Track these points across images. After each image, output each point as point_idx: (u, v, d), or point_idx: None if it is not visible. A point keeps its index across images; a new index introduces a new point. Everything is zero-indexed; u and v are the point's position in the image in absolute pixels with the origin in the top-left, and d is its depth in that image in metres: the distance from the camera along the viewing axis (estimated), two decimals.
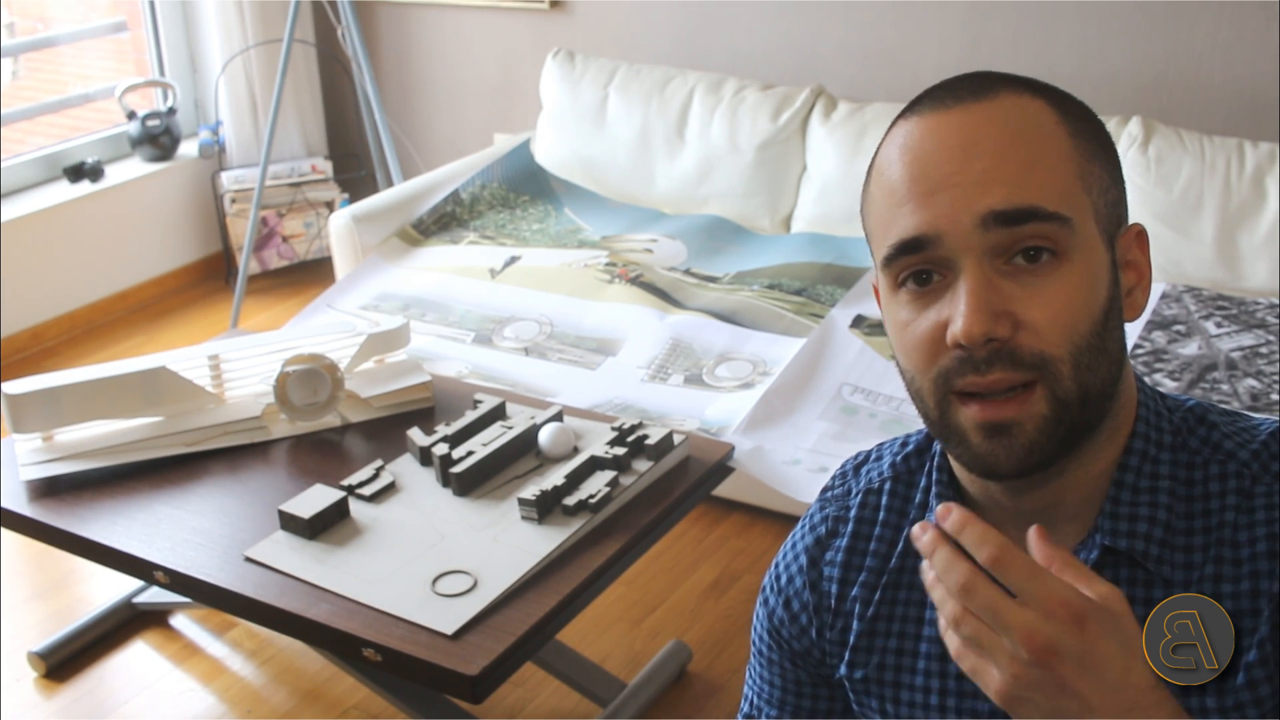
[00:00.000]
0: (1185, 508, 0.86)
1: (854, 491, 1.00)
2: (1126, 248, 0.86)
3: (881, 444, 1.02)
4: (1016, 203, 0.79)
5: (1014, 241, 0.79)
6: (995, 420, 0.81)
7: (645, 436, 2.06)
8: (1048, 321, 0.79)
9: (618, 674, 2.27)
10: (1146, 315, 2.60)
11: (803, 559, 1.00)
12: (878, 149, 0.87)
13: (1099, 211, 0.83)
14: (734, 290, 2.94)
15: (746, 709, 1.08)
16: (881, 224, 0.85)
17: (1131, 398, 0.88)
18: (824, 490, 1.03)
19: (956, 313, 0.80)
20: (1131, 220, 0.88)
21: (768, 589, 1.03)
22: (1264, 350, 2.45)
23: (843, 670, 0.98)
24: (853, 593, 0.97)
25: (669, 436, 2.07)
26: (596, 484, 1.95)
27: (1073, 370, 0.80)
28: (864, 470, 1.01)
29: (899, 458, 0.98)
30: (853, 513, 0.99)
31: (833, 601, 0.98)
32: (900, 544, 0.96)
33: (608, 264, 3.09)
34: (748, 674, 1.09)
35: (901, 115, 0.86)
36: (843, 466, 1.03)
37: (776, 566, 1.03)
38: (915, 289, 0.83)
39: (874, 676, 0.96)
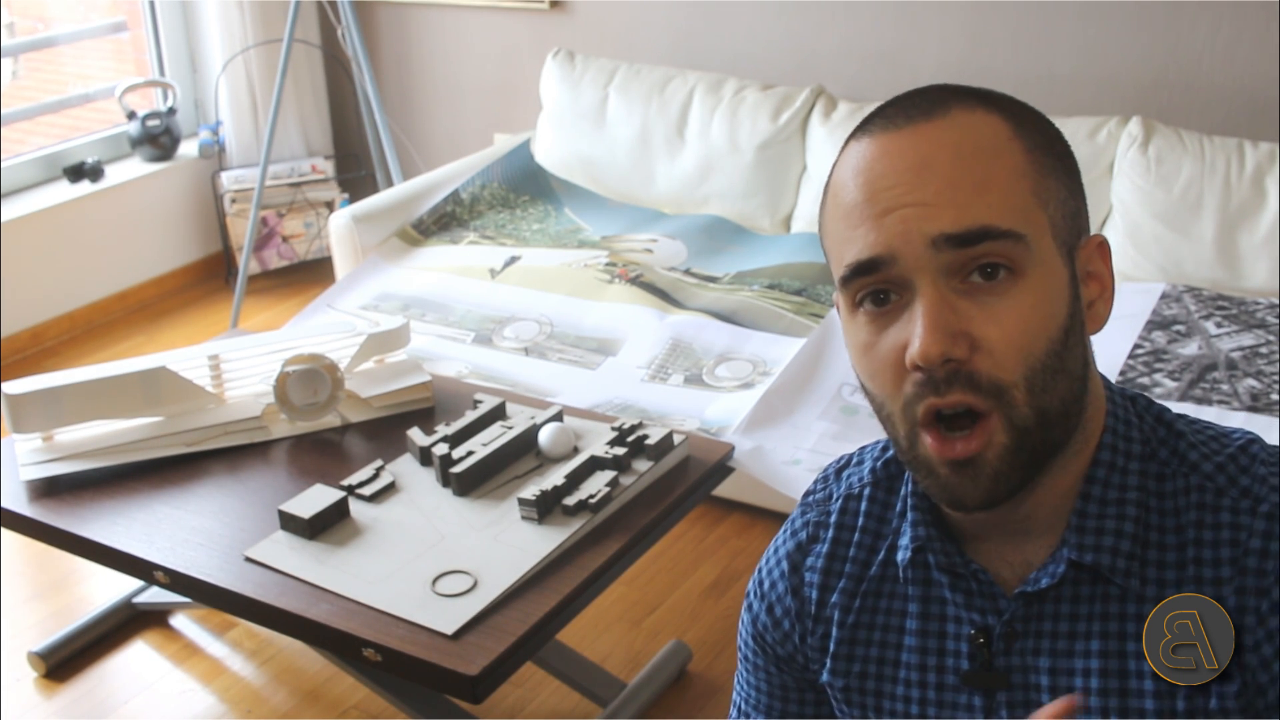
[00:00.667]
0: (1158, 520, 0.85)
1: (835, 496, 0.99)
2: (1088, 259, 0.86)
3: (864, 447, 1.01)
4: (968, 224, 0.78)
5: (969, 260, 0.79)
6: (957, 458, 0.81)
7: (645, 436, 2.06)
8: (1003, 343, 0.79)
9: (618, 674, 2.27)
10: (1141, 319, 2.60)
11: (784, 564, 1.00)
12: (833, 168, 0.87)
13: (1056, 226, 0.82)
14: (734, 290, 2.94)
15: (735, 715, 1.08)
16: (837, 245, 0.84)
17: (1099, 407, 0.87)
18: (806, 494, 1.03)
19: (914, 334, 0.79)
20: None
21: (752, 594, 1.03)
22: (1264, 350, 2.45)
23: (825, 677, 0.98)
24: (832, 599, 0.97)
25: (669, 436, 2.07)
26: (596, 484, 1.95)
27: (1027, 395, 0.80)
28: (845, 475, 1.00)
29: (879, 463, 0.98)
30: (833, 518, 0.98)
31: (813, 607, 0.98)
32: (882, 552, 0.95)
33: (608, 264, 3.09)
34: (735, 680, 1.08)
35: (854, 135, 0.86)
36: (825, 470, 1.03)
37: (760, 572, 1.03)
38: (873, 309, 0.83)
39: (855, 685, 0.96)
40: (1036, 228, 0.80)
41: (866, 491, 0.97)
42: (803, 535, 1.00)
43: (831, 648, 0.97)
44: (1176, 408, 0.92)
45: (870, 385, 0.85)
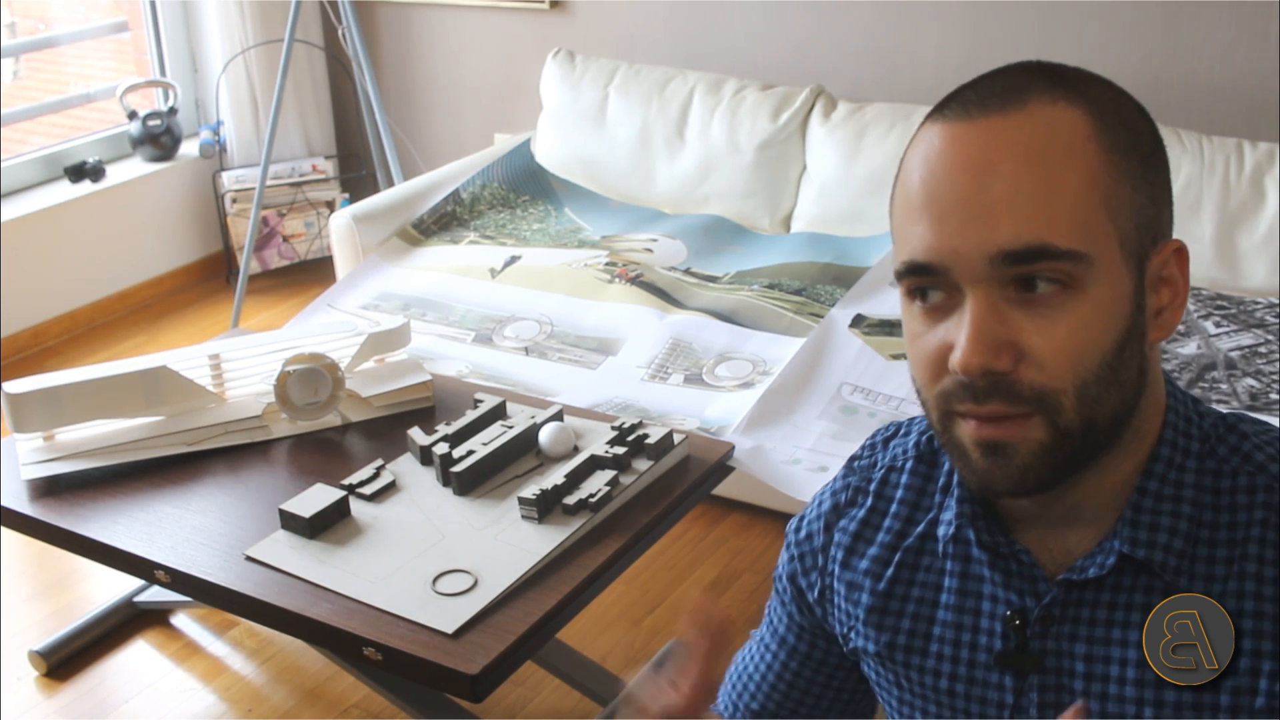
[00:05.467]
0: (1211, 517, 0.84)
1: (879, 465, 1.01)
2: (1162, 265, 0.83)
3: (914, 418, 1.02)
4: (1028, 240, 0.76)
5: (1025, 274, 0.77)
6: (990, 439, 0.80)
7: (645, 436, 2.07)
8: (1052, 354, 0.77)
9: (618, 673, 2.28)
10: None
11: (820, 521, 1.03)
12: (909, 145, 0.85)
13: (1125, 236, 0.79)
14: (734, 290, 2.94)
15: (755, 633, 1.13)
16: (898, 234, 0.84)
17: (1159, 407, 0.86)
18: (852, 459, 1.04)
19: (958, 341, 0.79)
20: None
21: (790, 537, 1.06)
22: (1263, 350, 2.46)
23: (858, 642, 0.99)
24: (861, 564, 0.98)
25: (669, 436, 2.07)
26: (596, 483, 1.95)
27: (1076, 403, 0.78)
28: (892, 445, 1.01)
29: (924, 437, 0.99)
30: (873, 486, 1.00)
31: (835, 566, 1.00)
32: (921, 525, 0.96)
33: (608, 264, 3.09)
34: (768, 604, 1.12)
35: (932, 115, 0.83)
36: (873, 436, 1.04)
37: (802, 519, 1.05)
38: (926, 303, 0.82)
39: (886, 654, 0.97)
40: (1102, 243, 0.78)
41: (909, 465, 0.98)
42: (841, 497, 1.02)
43: (862, 614, 0.98)
44: None
45: (912, 369, 0.85)
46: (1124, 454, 0.85)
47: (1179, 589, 0.84)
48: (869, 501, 1.00)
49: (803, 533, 1.04)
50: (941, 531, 0.94)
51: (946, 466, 0.96)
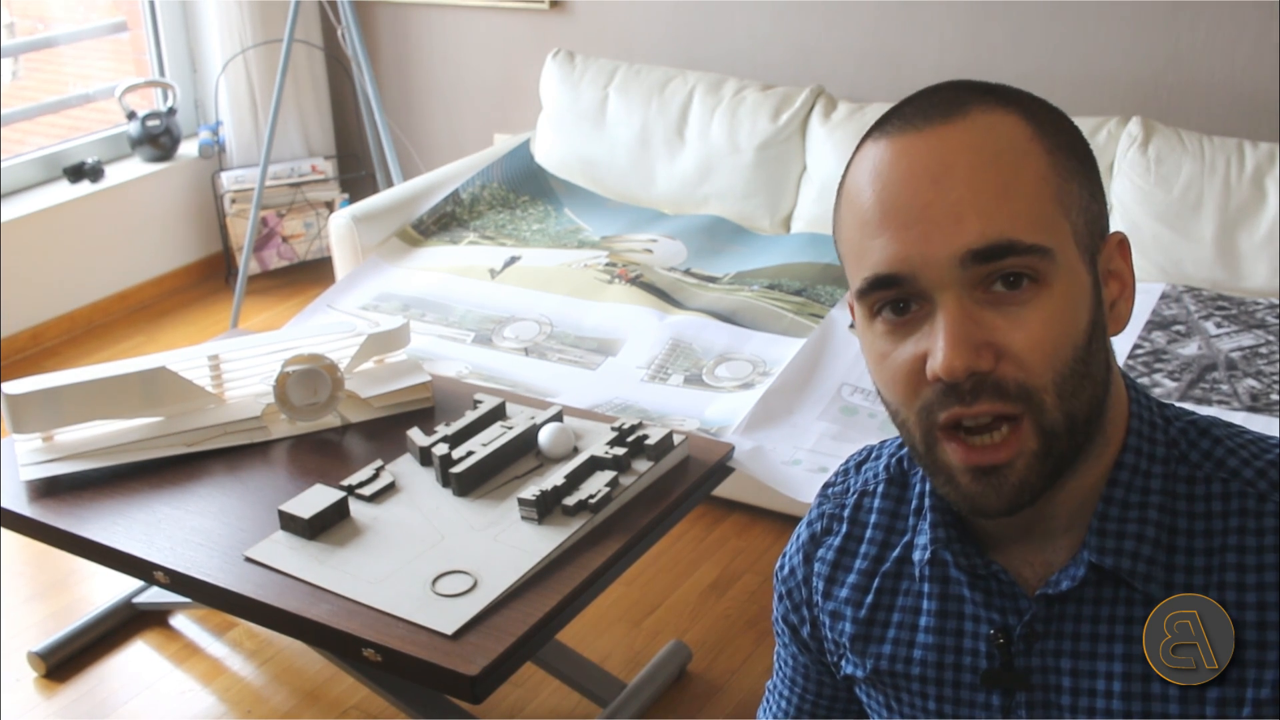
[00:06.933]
0: (1186, 525, 0.84)
1: (851, 490, 1.00)
2: (1108, 258, 0.84)
3: (885, 441, 1.02)
4: (992, 238, 0.77)
5: (991, 272, 0.78)
6: (984, 464, 0.80)
7: (645, 436, 2.07)
8: (1030, 350, 0.77)
9: (618, 674, 2.28)
10: (1141, 319, 2.60)
11: (800, 555, 1.02)
12: (847, 168, 0.85)
13: (1078, 232, 0.81)
14: (734, 290, 2.94)
15: (770, 684, 1.13)
16: (854, 253, 0.83)
17: (1121, 410, 0.86)
18: (826, 485, 1.04)
19: (936, 347, 0.78)
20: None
21: (776, 577, 1.06)
22: (1264, 350, 2.46)
23: (848, 669, 0.99)
24: (841, 593, 0.98)
25: (669, 436, 2.07)
26: (596, 484, 1.95)
27: (1056, 399, 0.78)
28: (864, 469, 1.01)
29: (894, 459, 0.98)
30: (847, 512, 0.99)
31: (819, 598, 1.00)
32: (896, 548, 0.96)
33: (608, 264, 3.09)
34: (774, 654, 1.12)
35: (871, 135, 0.83)
36: (846, 462, 1.04)
37: (784, 556, 1.05)
38: (892, 318, 0.81)
39: (874, 678, 0.97)
40: (1060, 238, 0.79)
41: (880, 489, 0.98)
42: (817, 527, 1.01)
43: (846, 642, 0.98)
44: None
45: (886, 393, 0.84)
46: (1093, 458, 0.84)
47: (1157, 599, 0.83)
48: (844, 528, 0.99)
49: (785, 570, 1.04)
50: (918, 556, 0.93)
51: (917, 489, 0.95)
